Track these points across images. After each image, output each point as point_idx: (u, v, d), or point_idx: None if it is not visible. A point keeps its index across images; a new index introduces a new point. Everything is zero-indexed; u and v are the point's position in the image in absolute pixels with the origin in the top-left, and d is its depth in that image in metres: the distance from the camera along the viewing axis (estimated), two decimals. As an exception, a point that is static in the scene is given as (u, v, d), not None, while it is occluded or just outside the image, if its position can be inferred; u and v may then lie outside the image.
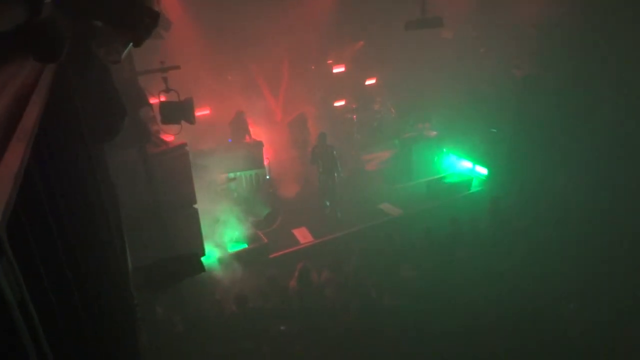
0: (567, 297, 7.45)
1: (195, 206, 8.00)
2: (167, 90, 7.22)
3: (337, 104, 15.35)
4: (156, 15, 2.56)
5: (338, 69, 15.06)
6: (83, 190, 2.99)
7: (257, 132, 13.11)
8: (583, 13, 9.99)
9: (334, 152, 11.14)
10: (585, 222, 9.15)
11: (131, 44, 3.05)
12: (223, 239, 9.73)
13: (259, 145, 12.15)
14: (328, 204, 11.39)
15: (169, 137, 8.07)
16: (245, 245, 9.69)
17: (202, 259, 6.71)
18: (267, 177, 12.44)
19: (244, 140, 12.36)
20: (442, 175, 12.69)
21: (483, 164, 12.73)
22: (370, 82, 15.75)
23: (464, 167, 13.09)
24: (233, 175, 11.41)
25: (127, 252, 4.70)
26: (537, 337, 6.73)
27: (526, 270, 8.03)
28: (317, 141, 11.21)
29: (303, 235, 10.34)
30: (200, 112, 11.56)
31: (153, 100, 7.59)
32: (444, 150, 13.57)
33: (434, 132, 13.59)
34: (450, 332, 6.81)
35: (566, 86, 10.79)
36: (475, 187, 12.16)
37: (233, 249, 9.57)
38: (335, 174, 11.18)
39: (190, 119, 7.39)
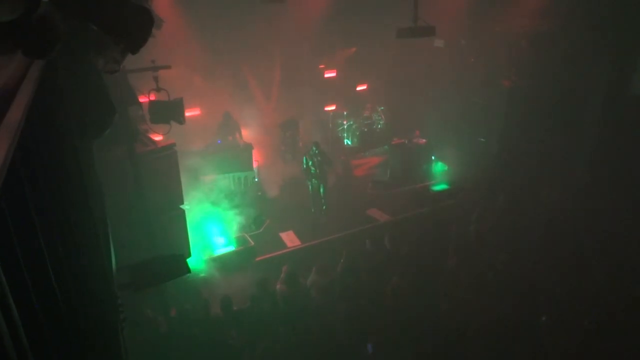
0: (541, 308, 7.47)
1: (183, 207, 7.95)
2: (157, 90, 7.17)
3: (328, 108, 15.41)
4: (148, 15, 2.53)
5: (329, 74, 15.12)
6: (69, 188, 2.95)
7: (247, 134, 13.10)
8: (571, 25, 10.18)
9: (326, 155, 11.27)
10: (571, 230, 9.27)
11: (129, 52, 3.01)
12: (210, 240, 9.69)
13: (248, 147, 12.13)
14: (313, 210, 11.46)
15: (157, 137, 8.01)
16: (232, 248, 9.64)
17: (188, 260, 6.66)
18: (256, 179, 12.42)
19: (235, 140, 12.33)
20: (431, 182, 12.79)
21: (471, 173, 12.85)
22: (361, 88, 15.84)
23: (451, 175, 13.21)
24: (222, 177, 11.37)
25: (112, 251, 4.65)
26: (512, 348, 6.75)
27: (508, 280, 8.08)
28: (310, 149, 11.22)
29: (290, 239, 10.32)
30: (190, 113, 11.50)
31: (142, 99, 7.54)
32: (433, 157, 13.68)
33: (424, 140, 13.70)
34: (434, 338, 6.84)
35: (554, 97, 10.97)
36: (462, 194, 12.26)
37: (220, 251, 9.52)
38: (326, 173, 11.35)
39: (180, 119, 7.34)
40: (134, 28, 2.41)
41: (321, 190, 11.35)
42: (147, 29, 2.51)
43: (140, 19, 2.44)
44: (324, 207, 11.44)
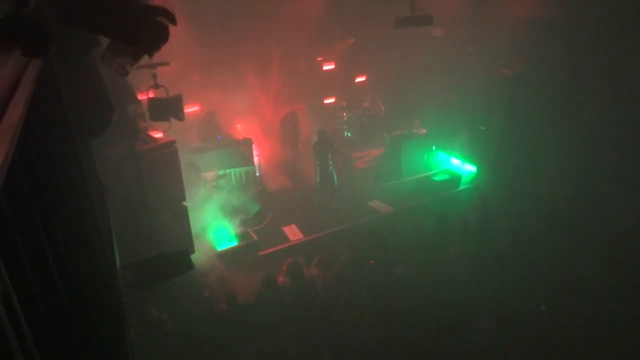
0: (541, 297, 7.45)
1: (185, 203, 7.94)
2: (156, 87, 7.15)
3: (327, 101, 15.35)
4: (165, 29, 2.51)
5: (328, 67, 15.04)
6: (70, 187, 2.94)
7: (248, 129, 13.07)
8: (572, 11, 10.10)
9: (333, 145, 11.47)
10: (572, 218, 9.25)
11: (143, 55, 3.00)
12: (213, 236, 9.70)
13: (248, 142, 12.10)
14: (333, 203, 11.51)
15: (157, 134, 8.00)
16: (235, 243, 9.65)
17: (192, 256, 6.67)
18: (257, 174, 12.41)
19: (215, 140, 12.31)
20: (432, 172, 12.76)
21: (472, 162, 12.83)
22: (360, 79, 15.77)
23: (453, 165, 13.19)
24: (222, 172, 11.36)
25: (115, 249, 4.65)
26: (515, 336, 6.76)
27: (510, 268, 8.08)
28: (318, 137, 11.35)
29: (293, 233, 10.33)
30: (190, 109, 11.46)
31: (141, 97, 7.51)
32: (433, 147, 13.64)
33: (424, 130, 13.65)
34: (439, 329, 6.85)
35: (554, 84, 10.90)
36: (464, 184, 12.25)
37: (223, 246, 9.53)
38: (331, 165, 11.48)
39: (179, 115, 7.33)
40: (147, 36, 2.40)
41: (329, 178, 11.45)
42: (159, 36, 2.49)
43: (153, 28, 2.43)
44: (333, 194, 11.52)
